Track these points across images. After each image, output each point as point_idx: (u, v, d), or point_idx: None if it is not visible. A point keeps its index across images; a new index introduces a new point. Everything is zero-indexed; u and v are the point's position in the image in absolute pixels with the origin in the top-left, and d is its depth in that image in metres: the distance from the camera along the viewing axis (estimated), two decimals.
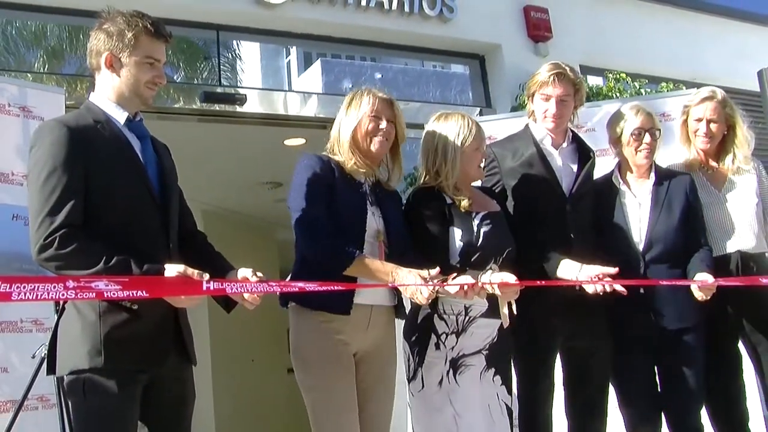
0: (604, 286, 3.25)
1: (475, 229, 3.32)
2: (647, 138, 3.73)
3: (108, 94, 2.77)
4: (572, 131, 3.80)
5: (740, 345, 3.92)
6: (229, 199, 9.51)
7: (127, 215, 2.64)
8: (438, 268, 2.97)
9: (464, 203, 3.34)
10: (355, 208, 3.22)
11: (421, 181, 3.49)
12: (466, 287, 3.00)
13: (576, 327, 3.53)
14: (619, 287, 3.25)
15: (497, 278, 3.10)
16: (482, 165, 3.49)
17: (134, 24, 2.72)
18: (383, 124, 3.29)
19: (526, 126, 3.77)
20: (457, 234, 3.31)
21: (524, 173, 3.61)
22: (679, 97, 5.25)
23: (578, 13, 8.35)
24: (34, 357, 3.62)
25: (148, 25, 2.74)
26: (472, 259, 3.25)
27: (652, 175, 3.79)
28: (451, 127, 3.42)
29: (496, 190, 3.63)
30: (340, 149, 3.31)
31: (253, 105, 6.98)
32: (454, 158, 3.37)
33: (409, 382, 3.35)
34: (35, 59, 7.13)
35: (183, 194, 2.99)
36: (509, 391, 3.38)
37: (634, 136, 3.75)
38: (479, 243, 3.30)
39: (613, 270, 3.27)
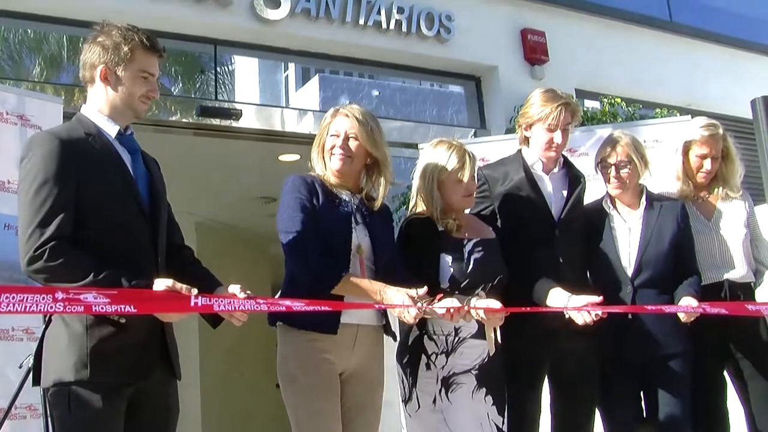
0: (590, 313, 3.25)
1: (466, 255, 3.35)
2: (613, 171, 3.75)
3: (100, 107, 2.78)
4: (563, 156, 3.82)
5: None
6: (223, 212, 9.52)
7: (117, 229, 2.64)
8: (426, 288, 3.00)
9: (450, 225, 3.38)
10: (339, 226, 3.25)
11: (411, 204, 3.53)
12: (452, 310, 3.02)
13: (563, 353, 3.53)
14: (600, 312, 3.25)
15: (483, 304, 3.12)
16: (472, 195, 3.50)
17: (130, 38, 2.74)
18: (339, 141, 3.31)
19: (519, 150, 3.78)
20: (447, 260, 3.34)
21: (513, 198, 3.62)
22: (671, 124, 5.28)
23: (575, 36, 8.39)
24: (21, 367, 3.60)
25: (144, 39, 2.76)
26: (462, 286, 3.27)
27: (643, 200, 3.81)
28: (436, 156, 3.47)
29: (487, 214, 3.64)
30: (314, 164, 3.39)
31: (249, 120, 7.00)
32: (431, 188, 3.42)
33: (405, 404, 3.37)
34: (34, 68, 7.14)
35: (171, 209, 3.00)
36: (501, 412, 3.38)
37: (600, 168, 3.82)
38: (469, 270, 3.33)
39: (598, 298, 3.27)
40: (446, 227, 3.38)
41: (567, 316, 3.30)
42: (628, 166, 3.75)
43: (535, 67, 8.04)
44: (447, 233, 3.38)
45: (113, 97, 2.76)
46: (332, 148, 3.31)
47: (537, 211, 3.61)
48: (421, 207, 3.49)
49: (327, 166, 3.35)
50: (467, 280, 3.29)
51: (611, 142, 3.81)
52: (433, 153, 3.48)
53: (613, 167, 3.75)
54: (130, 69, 2.74)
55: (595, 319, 3.24)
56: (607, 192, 3.87)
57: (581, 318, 3.26)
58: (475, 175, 3.50)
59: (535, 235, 3.59)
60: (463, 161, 3.43)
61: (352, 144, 3.31)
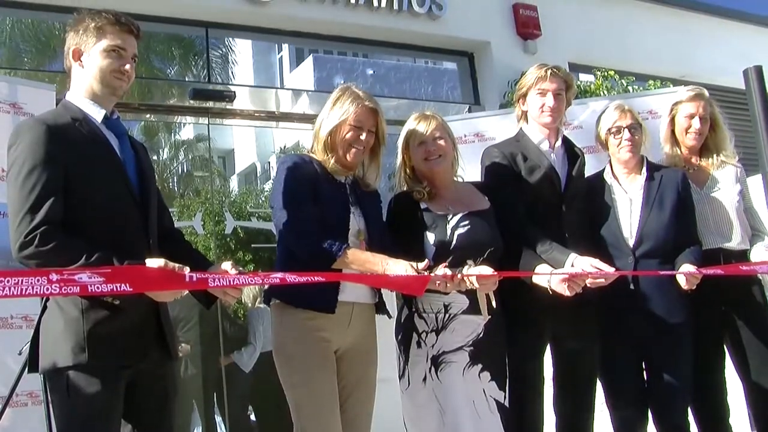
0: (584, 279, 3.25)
1: (449, 231, 3.35)
2: (626, 134, 3.77)
3: (83, 92, 2.78)
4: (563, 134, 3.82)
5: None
6: None
7: (107, 212, 2.64)
8: (426, 261, 3.03)
9: (417, 195, 3.42)
10: (338, 207, 3.25)
11: (396, 181, 3.59)
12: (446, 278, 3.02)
13: (566, 323, 3.52)
14: (596, 280, 3.28)
15: (474, 271, 3.10)
16: (431, 158, 3.48)
17: (99, 16, 2.75)
18: (363, 135, 3.31)
19: (521, 129, 3.78)
20: (430, 238, 3.34)
21: (533, 173, 3.61)
22: (666, 95, 5.28)
23: (567, 10, 8.37)
24: (20, 354, 3.61)
25: (112, 17, 2.77)
26: (447, 261, 3.20)
27: (644, 171, 3.82)
28: (406, 127, 3.56)
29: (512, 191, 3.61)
30: (317, 146, 3.34)
31: (244, 102, 6.99)
32: (401, 159, 3.53)
33: (399, 380, 3.40)
34: (27, 56, 7.14)
35: (161, 192, 3.01)
36: (502, 387, 3.38)
37: (612, 133, 3.80)
38: (453, 245, 3.32)
39: (610, 269, 3.29)
40: (420, 198, 3.41)
41: (551, 291, 3.28)
42: (640, 130, 3.80)
43: (528, 41, 8.03)
44: (430, 209, 3.39)
45: (88, 76, 2.77)
46: (353, 142, 3.30)
47: (552, 188, 3.62)
48: (403, 183, 3.53)
49: (333, 154, 3.32)
50: (451, 257, 3.20)
51: (618, 107, 3.85)
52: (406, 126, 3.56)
53: (626, 129, 3.77)
54: (100, 44, 2.74)
55: (593, 281, 3.27)
56: (609, 163, 3.89)
57: (567, 290, 3.24)
58: (437, 139, 3.47)
59: (544, 211, 3.58)
60: (424, 121, 3.48)
61: (370, 138, 3.35)
